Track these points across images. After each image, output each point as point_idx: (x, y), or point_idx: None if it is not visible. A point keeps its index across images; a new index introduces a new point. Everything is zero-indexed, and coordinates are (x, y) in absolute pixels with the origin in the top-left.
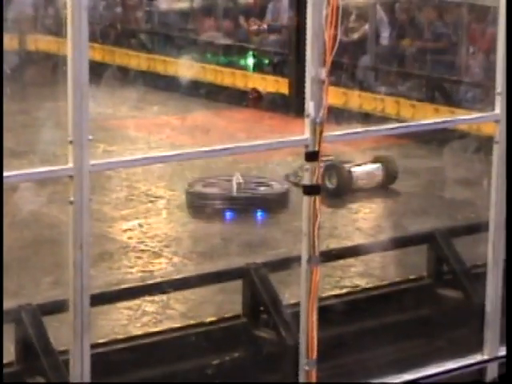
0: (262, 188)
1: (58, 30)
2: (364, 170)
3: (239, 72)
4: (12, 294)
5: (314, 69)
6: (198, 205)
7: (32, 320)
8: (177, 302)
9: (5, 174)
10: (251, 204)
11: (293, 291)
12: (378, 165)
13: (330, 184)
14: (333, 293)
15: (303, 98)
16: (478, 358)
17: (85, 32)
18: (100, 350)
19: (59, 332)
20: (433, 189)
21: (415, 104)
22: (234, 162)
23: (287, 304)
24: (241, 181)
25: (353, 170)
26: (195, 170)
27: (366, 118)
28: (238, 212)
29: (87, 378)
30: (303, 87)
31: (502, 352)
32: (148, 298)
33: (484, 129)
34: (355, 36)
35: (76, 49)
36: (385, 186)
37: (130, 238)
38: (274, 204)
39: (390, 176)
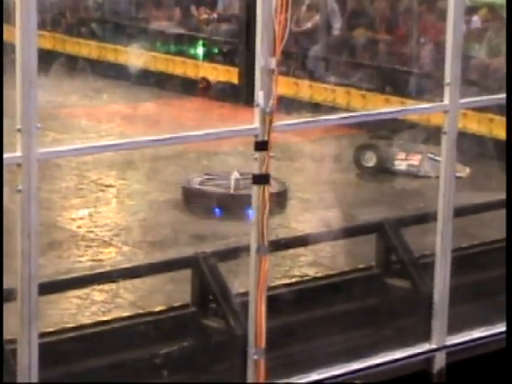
0: None
1: (6, 17)
2: None
3: (190, 61)
4: None
5: (263, 58)
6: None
7: None
8: (126, 291)
9: None
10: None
11: (242, 281)
12: None
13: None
14: (282, 282)
15: (253, 88)
16: (425, 347)
17: (33, 20)
18: (48, 339)
19: (6, 321)
20: (383, 179)
21: (366, 94)
22: (185, 152)
23: (236, 293)
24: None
25: None
26: (145, 159)
27: (317, 108)
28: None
29: (35, 368)
30: (253, 77)
31: (450, 341)
32: (97, 287)
33: (433, 119)
34: (306, 26)
35: (24, 37)
36: None
37: (79, 227)
38: None
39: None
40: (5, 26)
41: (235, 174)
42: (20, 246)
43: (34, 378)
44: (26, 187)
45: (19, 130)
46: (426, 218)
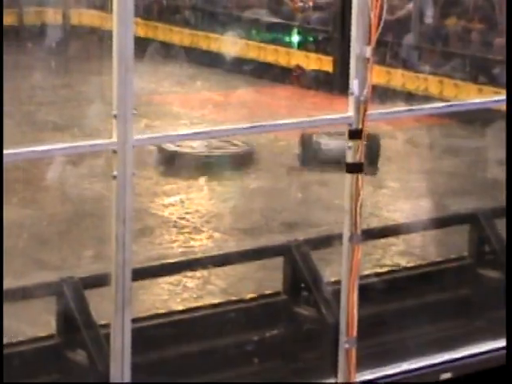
0: None
1: (102, 4)
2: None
3: (282, 49)
4: (54, 268)
5: (358, 47)
6: None
7: (73, 293)
8: (217, 278)
9: (49, 147)
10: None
11: (333, 269)
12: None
13: None
14: (373, 271)
15: (347, 76)
16: None
17: (130, 7)
18: (141, 324)
19: (101, 306)
20: (475, 169)
21: (458, 84)
22: (275, 140)
23: (328, 282)
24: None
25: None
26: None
27: (409, 97)
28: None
29: (128, 352)
30: (347, 65)
31: None
32: (188, 274)
33: None
34: (399, 14)
35: (121, 23)
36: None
37: (171, 213)
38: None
39: (371, 154)
40: (100, 13)
41: None
42: (114, 232)
43: (127, 363)
44: (121, 173)
45: (115, 116)
46: None
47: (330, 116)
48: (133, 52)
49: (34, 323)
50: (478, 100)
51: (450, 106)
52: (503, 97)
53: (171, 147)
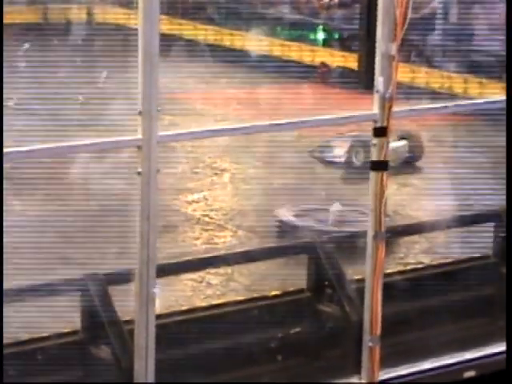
0: None
1: (127, 1)
2: (391, 146)
3: (307, 47)
4: (78, 264)
5: (384, 44)
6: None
7: (98, 290)
8: (241, 276)
9: (74, 143)
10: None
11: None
12: (404, 142)
13: (357, 161)
14: (397, 269)
15: (372, 74)
16: None
17: (156, 4)
18: (164, 320)
19: (125, 302)
20: (499, 167)
21: (483, 82)
22: (300, 137)
23: (351, 279)
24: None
25: None
26: (261, 143)
27: (433, 95)
28: None
29: (152, 348)
30: (372, 63)
31: None
32: (212, 271)
33: None
34: (423, 12)
35: (147, 20)
36: (410, 163)
37: (194, 210)
38: None
39: (416, 153)
40: (125, 10)
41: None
42: (139, 229)
43: (151, 359)
44: (145, 170)
45: (140, 113)
46: None
47: (355, 113)
48: (158, 49)
49: (59, 319)
50: (501, 98)
51: (475, 104)
52: None
53: (292, 220)
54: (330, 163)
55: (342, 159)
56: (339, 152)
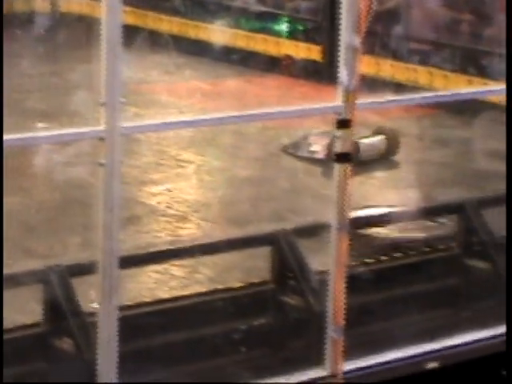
0: None
1: None
2: (369, 142)
3: (271, 38)
4: (40, 255)
5: (347, 36)
6: None
7: (60, 281)
8: (205, 267)
9: (37, 135)
10: None
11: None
12: (380, 137)
13: None
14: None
15: (336, 66)
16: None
17: None
18: (127, 312)
19: (88, 294)
20: (463, 159)
21: (448, 75)
22: (264, 129)
23: (315, 271)
24: None
25: (360, 141)
26: (225, 135)
27: (398, 87)
28: None
29: (114, 340)
30: (336, 55)
31: None
32: (176, 263)
33: None
34: (389, 5)
35: (110, 10)
36: (386, 158)
37: (158, 202)
38: None
39: (392, 148)
40: (91, 2)
41: None
42: (102, 220)
43: (114, 351)
44: (109, 161)
45: (103, 104)
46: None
47: (318, 105)
48: (121, 40)
49: (20, 311)
50: (467, 90)
51: (440, 96)
52: (491, 88)
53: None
54: (307, 159)
55: (321, 155)
56: (317, 148)
